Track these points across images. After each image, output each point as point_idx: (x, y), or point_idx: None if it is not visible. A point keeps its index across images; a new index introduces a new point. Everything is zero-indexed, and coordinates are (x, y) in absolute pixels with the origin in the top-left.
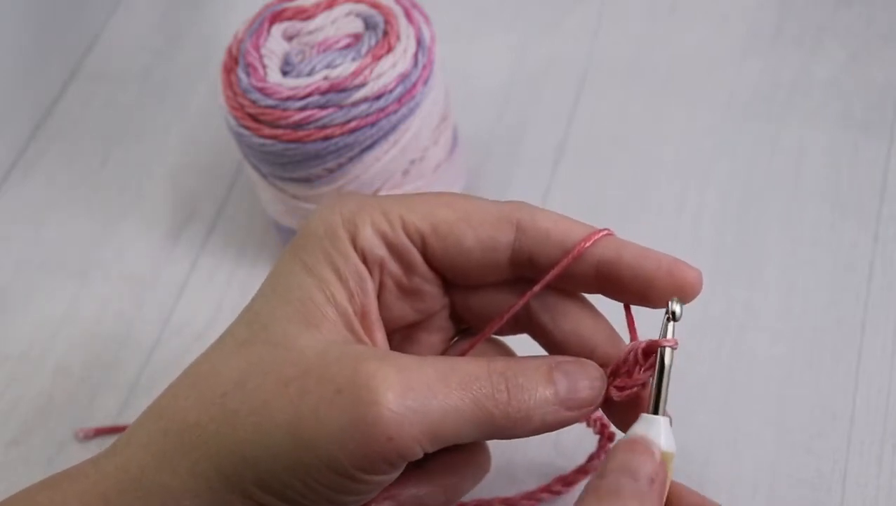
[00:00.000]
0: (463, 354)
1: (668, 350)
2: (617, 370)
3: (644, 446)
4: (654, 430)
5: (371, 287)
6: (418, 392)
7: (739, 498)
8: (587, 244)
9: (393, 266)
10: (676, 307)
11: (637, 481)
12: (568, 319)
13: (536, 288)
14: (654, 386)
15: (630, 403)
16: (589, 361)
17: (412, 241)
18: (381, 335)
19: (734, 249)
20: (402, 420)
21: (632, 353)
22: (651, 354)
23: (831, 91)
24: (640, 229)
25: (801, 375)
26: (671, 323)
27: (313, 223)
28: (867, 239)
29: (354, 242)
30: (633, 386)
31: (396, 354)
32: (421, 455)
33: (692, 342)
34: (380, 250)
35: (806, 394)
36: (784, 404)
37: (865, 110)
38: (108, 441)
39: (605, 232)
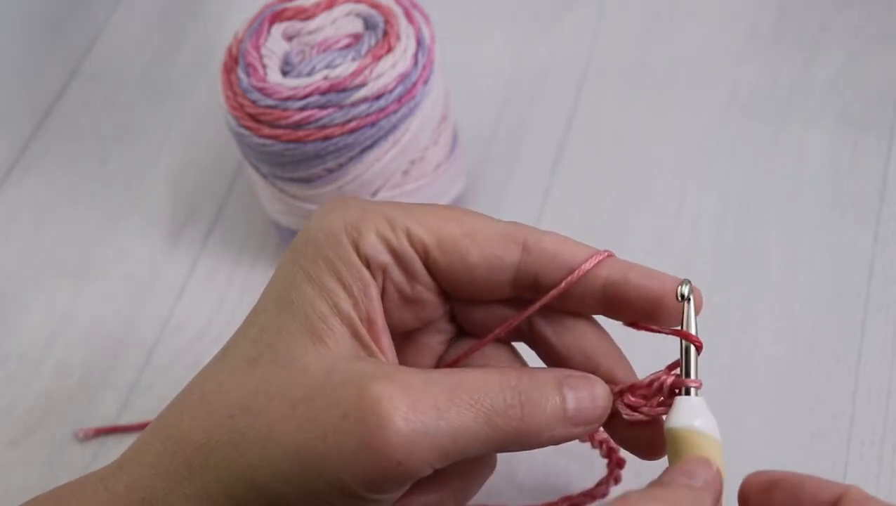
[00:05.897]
0: (464, 357)
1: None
2: (630, 390)
3: (705, 461)
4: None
5: (375, 293)
6: (426, 413)
7: None
8: (589, 266)
9: (396, 273)
10: (685, 289)
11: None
12: (571, 334)
13: (536, 305)
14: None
15: (635, 424)
16: (595, 377)
17: (416, 251)
18: (387, 341)
19: (734, 249)
20: (410, 444)
21: (655, 383)
22: (674, 389)
23: (831, 91)
24: (640, 229)
25: (801, 374)
26: (693, 314)
27: (314, 228)
28: (867, 239)
29: (357, 248)
30: (645, 413)
31: (403, 370)
32: (431, 472)
33: None
34: (383, 256)
35: (806, 394)
36: (784, 404)
37: (865, 110)
38: (108, 441)
39: (607, 254)
